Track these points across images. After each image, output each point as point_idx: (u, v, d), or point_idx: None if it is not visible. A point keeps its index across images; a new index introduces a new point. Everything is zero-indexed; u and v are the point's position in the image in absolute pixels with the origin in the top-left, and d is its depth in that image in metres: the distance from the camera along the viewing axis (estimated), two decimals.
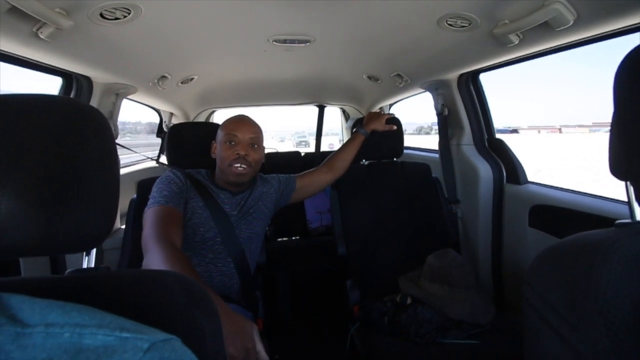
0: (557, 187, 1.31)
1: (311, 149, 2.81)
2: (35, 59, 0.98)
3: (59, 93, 1.28)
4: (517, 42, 0.99)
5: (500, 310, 1.27)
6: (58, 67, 1.09)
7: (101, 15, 0.89)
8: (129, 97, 1.59)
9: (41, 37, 0.83)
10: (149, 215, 0.96)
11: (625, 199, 0.46)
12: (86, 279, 0.43)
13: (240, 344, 0.67)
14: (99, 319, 0.28)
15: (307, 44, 1.35)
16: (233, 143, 1.10)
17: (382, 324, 1.15)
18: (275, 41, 1.32)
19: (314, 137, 2.72)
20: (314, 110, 2.75)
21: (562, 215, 1.17)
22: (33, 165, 0.36)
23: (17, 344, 0.25)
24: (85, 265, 0.49)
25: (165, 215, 0.95)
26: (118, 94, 1.47)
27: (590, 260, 0.37)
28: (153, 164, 2.12)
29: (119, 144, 1.52)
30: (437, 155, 1.77)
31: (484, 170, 1.51)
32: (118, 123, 1.53)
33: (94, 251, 0.49)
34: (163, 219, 0.94)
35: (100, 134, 0.41)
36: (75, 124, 0.40)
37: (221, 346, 0.44)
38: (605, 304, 0.35)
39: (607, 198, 1.08)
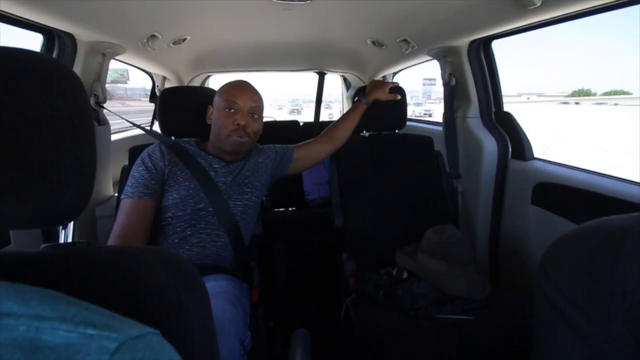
0: (564, 165, 1.26)
1: (303, 116, 2.74)
2: (8, 11, 0.89)
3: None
4: (539, 4, 0.90)
5: (496, 286, 1.28)
6: (35, 22, 0.99)
7: None
8: (117, 58, 1.50)
9: None
10: (120, 212, 0.98)
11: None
12: (61, 255, 0.39)
13: None
14: (62, 310, 0.25)
15: (308, 1, 1.24)
16: (232, 111, 1.04)
17: (377, 297, 1.15)
18: None
19: (307, 104, 2.63)
20: (313, 77, 2.64)
21: (571, 195, 1.13)
22: None
23: None
24: (62, 240, 0.45)
25: (134, 212, 0.97)
26: (105, 54, 1.37)
27: (617, 250, 0.34)
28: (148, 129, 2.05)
29: (109, 110, 1.45)
30: (440, 128, 1.70)
31: (489, 144, 1.46)
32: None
33: (71, 225, 0.46)
34: (132, 215, 0.97)
35: (69, 93, 0.36)
36: (38, 81, 0.34)
37: (210, 329, 0.41)
38: (634, 300, 0.31)
39: (622, 179, 1.04)
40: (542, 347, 0.39)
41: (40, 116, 0.33)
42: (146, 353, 0.24)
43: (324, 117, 2.68)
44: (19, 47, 0.36)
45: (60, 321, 0.23)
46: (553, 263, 0.39)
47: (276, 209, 2.22)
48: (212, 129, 1.09)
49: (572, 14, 0.95)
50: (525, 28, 1.13)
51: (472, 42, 1.41)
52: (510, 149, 1.44)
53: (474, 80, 1.50)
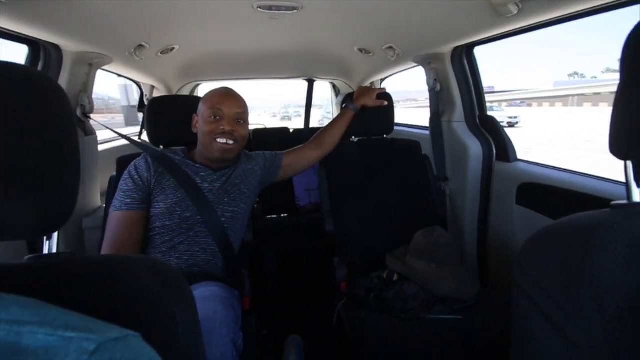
0: (546, 165, 1.30)
1: (293, 122, 2.78)
2: None
3: (26, 63, 1.19)
4: (515, 12, 0.94)
5: (485, 286, 1.30)
6: (19, 33, 0.99)
7: None
8: (104, 68, 1.50)
9: None
10: (109, 224, 0.99)
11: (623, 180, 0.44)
12: (46, 266, 0.39)
13: None
14: (42, 315, 0.25)
15: (295, 11, 1.26)
16: (218, 118, 1.05)
17: (368, 300, 1.16)
18: (260, 7, 1.23)
19: (302, 108, 2.65)
20: (305, 83, 2.67)
21: (551, 194, 1.16)
22: None
23: None
24: (46, 251, 0.45)
25: (123, 224, 0.98)
26: (91, 64, 1.37)
27: (586, 244, 0.36)
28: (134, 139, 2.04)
29: (95, 121, 1.45)
30: (427, 133, 1.74)
31: (474, 147, 1.49)
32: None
33: (55, 235, 0.46)
34: (121, 227, 0.98)
35: (54, 105, 0.37)
36: (23, 94, 0.35)
37: (197, 336, 0.41)
38: (600, 290, 0.33)
39: (599, 177, 1.08)
40: (520, 340, 0.41)
41: (22, 128, 0.33)
42: (125, 353, 0.25)
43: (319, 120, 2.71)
44: (3, 61, 0.37)
45: (40, 325, 0.24)
46: (528, 258, 0.41)
47: (268, 216, 2.22)
48: (199, 137, 1.09)
49: (547, 21, 0.99)
50: (504, 35, 1.18)
51: (455, 49, 1.45)
52: (494, 151, 1.48)
53: (458, 86, 1.54)
